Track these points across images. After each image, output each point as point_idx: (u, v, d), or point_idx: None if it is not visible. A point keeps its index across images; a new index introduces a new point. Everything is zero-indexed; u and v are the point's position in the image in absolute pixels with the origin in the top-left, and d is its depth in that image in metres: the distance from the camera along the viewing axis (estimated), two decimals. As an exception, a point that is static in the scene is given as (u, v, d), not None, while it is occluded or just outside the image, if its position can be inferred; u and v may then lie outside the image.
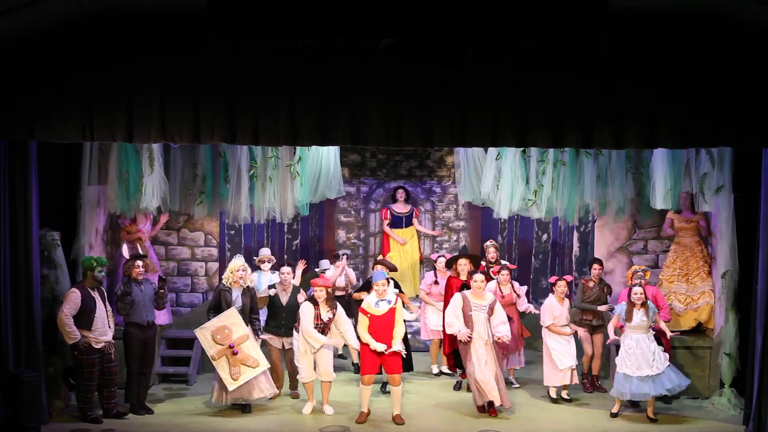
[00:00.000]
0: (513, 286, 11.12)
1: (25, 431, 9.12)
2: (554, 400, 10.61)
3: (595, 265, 11.21)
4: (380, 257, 11.64)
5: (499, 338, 10.01)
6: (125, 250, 11.28)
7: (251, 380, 9.97)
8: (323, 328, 10.05)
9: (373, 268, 11.03)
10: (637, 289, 10.08)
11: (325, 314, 10.01)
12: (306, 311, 10.01)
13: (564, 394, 10.68)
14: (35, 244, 9.56)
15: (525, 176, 11.39)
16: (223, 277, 10.43)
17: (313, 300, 10.05)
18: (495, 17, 7.91)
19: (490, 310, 10.05)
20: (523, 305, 11.17)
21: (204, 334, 10.03)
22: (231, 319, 10.02)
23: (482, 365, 9.92)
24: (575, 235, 12.57)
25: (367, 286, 10.79)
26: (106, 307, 9.81)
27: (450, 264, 11.35)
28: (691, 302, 11.17)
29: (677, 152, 10.67)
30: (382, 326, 9.80)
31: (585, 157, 11.14)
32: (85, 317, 9.59)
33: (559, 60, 8.71)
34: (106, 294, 9.99)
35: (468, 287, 10.36)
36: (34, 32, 8.97)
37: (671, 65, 8.89)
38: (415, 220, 13.06)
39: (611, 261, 12.11)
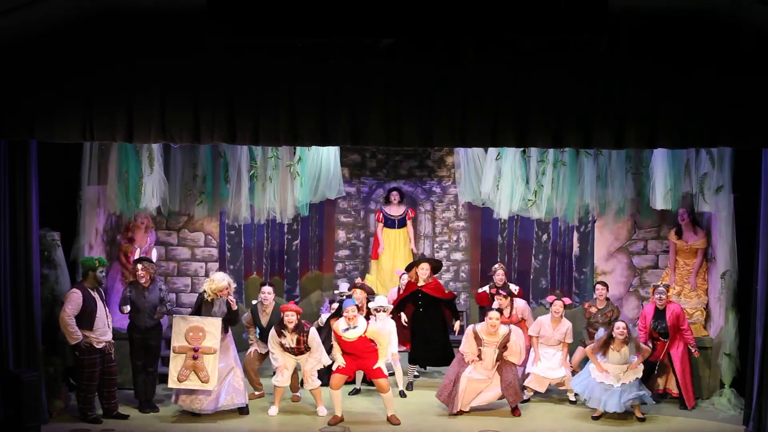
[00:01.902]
0: (513, 308, 10.74)
1: (25, 431, 9.13)
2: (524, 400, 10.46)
3: (599, 287, 11.02)
4: (358, 280, 11.37)
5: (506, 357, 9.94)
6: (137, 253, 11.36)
7: (196, 391, 9.82)
8: (293, 352, 10.02)
9: (350, 290, 10.88)
10: (620, 324, 9.87)
11: (289, 341, 9.91)
12: (270, 339, 10.00)
13: (571, 396, 10.61)
14: (35, 244, 9.56)
15: (525, 176, 11.39)
16: (204, 290, 10.12)
17: (281, 325, 9.92)
18: (495, 17, 7.90)
19: (503, 347, 9.91)
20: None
21: (181, 324, 9.88)
22: (211, 328, 9.84)
23: (473, 377, 9.92)
24: (575, 235, 12.56)
25: (339, 312, 10.58)
26: (105, 308, 9.83)
27: (410, 268, 11.17)
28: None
29: (677, 152, 10.67)
30: (353, 350, 9.76)
31: (585, 157, 11.15)
32: (86, 317, 9.59)
33: (559, 60, 8.71)
34: (104, 294, 10.01)
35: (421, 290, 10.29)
36: (34, 32, 8.97)
37: (671, 65, 8.89)
38: (408, 222, 12.95)
39: (611, 261, 12.10)
